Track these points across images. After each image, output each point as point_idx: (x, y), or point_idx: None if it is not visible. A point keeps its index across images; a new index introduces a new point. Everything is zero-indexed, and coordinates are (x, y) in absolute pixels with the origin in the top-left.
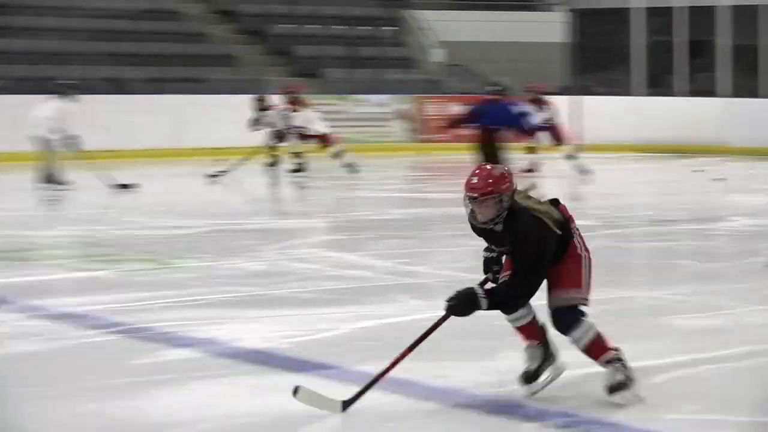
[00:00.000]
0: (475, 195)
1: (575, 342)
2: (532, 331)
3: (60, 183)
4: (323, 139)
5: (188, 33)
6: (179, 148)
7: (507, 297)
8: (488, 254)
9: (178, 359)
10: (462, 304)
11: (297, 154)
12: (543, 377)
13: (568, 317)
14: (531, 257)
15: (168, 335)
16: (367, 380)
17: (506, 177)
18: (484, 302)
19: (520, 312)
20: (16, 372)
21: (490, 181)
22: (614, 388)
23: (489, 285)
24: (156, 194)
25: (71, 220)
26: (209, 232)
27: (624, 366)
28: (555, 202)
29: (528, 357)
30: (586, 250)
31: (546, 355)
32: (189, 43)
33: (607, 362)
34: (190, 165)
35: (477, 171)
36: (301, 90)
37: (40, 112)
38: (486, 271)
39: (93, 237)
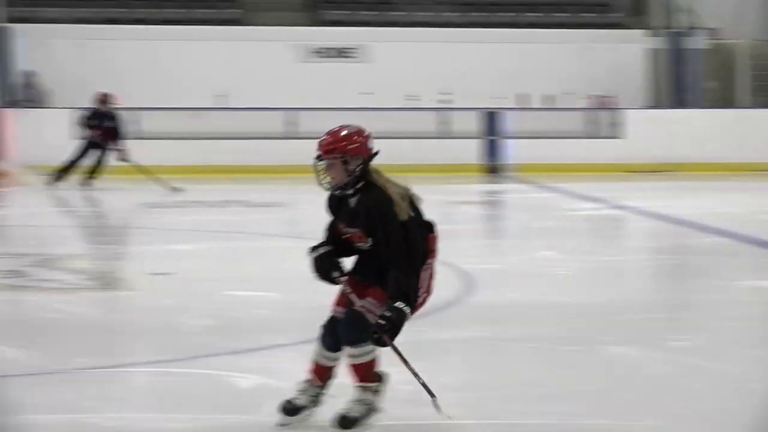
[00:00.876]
0: (318, 153)
1: (349, 356)
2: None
3: None
4: None
5: None
6: None
7: (407, 284)
8: (322, 251)
9: None
10: (391, 325)
11: None
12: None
13: (361, 328)
14: (394, 226)
15: None
16: None
17: (355, 138)
18: (400, 303)
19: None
20: None
21: (335, 138)
22: (346, 421)
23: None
24: None
25: None
26: None
27: (372, 403)
28: (427, 227)
29: (302, 390)
30: (426, 292)
31: (316, 401)
32: None
33: (363, 389)
34: None
35: (328, 131)
36: None
37: None
38: (323, 273)
39: None
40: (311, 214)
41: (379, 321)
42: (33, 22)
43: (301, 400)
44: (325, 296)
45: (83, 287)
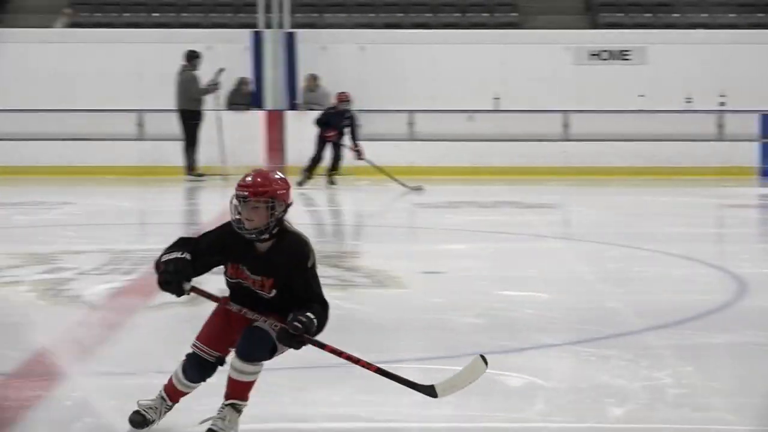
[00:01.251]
0: (246, 193)
1: (240, 371)
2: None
3: None
4: None
5: None
6: None
7: (320, 315)
8: (177, 255)
9: None
10: (304, 329)
11: None
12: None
13: (266, 347)
14: (313, 274)
15: None
16: None
17: (283, 184)
18: (311, 315)
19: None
20: None
21: (266, 181)
22: None
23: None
24: None
25: None
26: None
27: (235, 422)
28: None
29: (155, 406)
30: None
31: (161, 416)
32: None
33: (233, 407)
34: None
35: (253, 172)
36: None
37: None
38: (174, 282)
39: None
40: (582, 215)
41: (295, 323)
42: (316, 28)
43: (151, 415)
44: (597, 296)
45: (358, 284)
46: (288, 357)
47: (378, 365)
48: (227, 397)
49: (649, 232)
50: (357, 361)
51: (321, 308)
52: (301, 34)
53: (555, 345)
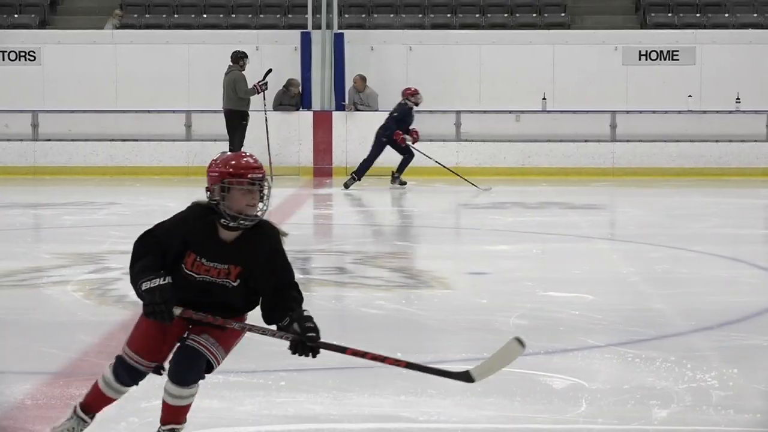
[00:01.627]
0: (260, 175)
1: (175, 396)
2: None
3: None
4: None
5: None
6: None
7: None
8: (159, 282)
9: None
10: (318, 331)
11: None
12: None
13: (200, 368)
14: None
15: None
16: None
17: None
18: (307, 311)
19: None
20: None
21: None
22: None
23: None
24: None
25: None
26: None
27: None
28: None
29: (70, 427)
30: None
31: None
32: None
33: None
34: None
35: (241, 154)
36: None
37: None
38: (164, 309)
39: None
40: (629, 217)
41: (309, 334)
42: (364, 29)
43: None
44: (642, 298)
45: (403, 285)
46: (333, 357)
47: (407, 360)
48: (164, 422)
49: (696, 234)
50: (384, 359)
51: (299, 295)
52: (349, 34)
53: (599, 346)
